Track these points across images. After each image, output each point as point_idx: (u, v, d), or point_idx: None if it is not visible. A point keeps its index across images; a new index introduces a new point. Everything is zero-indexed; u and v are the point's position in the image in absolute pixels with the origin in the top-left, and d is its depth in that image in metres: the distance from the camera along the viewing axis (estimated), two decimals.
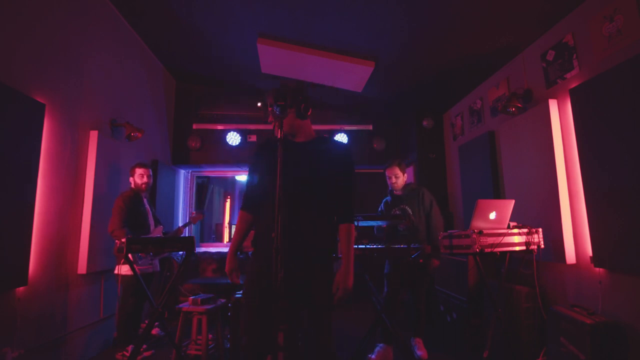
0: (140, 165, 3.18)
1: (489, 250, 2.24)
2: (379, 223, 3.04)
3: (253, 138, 5.19)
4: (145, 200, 3.21)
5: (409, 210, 3.04)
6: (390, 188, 3.20)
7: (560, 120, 2.77)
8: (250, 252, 1.63)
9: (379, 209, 3.30)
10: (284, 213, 1.26)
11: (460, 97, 4.42)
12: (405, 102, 4.92)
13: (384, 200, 3.31)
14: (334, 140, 1.73)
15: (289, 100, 1.53)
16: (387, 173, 3.16)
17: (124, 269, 2.87)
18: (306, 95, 1.60)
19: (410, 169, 5.06)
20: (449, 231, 2.46)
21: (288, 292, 1.39)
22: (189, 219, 3.59)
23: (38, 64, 2.51)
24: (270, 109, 1.53)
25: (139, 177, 3.15)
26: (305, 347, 1.50)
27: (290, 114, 1.58)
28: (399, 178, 3.11)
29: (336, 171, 1.59)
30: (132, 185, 3.15)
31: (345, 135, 5.32)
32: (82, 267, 2.91)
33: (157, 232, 3.25)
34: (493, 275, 3.23)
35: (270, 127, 1.67)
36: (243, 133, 5.12)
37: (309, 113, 1.60)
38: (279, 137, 1.38)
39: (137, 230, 3.02)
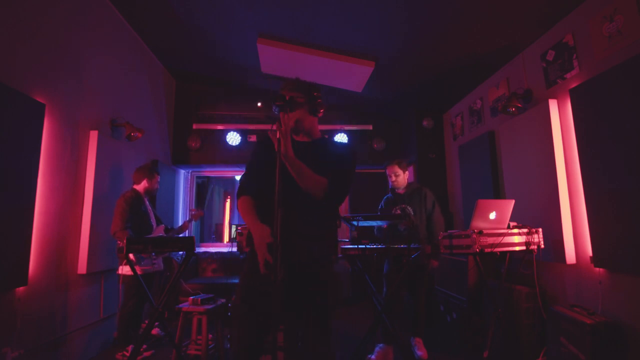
0: (158, 173, 3.33)
1: (489, 250, 2.24)
2: (379, 223, 3.04)
3: (253, 138, 5.19)
4: (146, 201, 3.21)
5: (410, 210, 3.05)
6: (390, 186, 3.21)
7: (560, 120, 2.77)
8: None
9: (380, 207, 3.30)
10: (283, 212, 1.25)
11: (460, 97, 4.42)
12: (405, 102, 4.92)
13: (385, 197, 3.31)
14: (336, 141, 1.72)
15: (304, 95, 1.50)
16: (387, 171, 3.18)
17: (126, 269, 2.87)
18: (320, 91, 1.57)
19: (411, 169, 5.06)
20: (449, 231, 2.46)
21: (289, 292, 1.39)
22: (190, 216, 3.61)
23: (38, 64, 2.51)
24: (282, 103, 1.38)
25: (155, 183, 3.28)
26: (302, 348, 1.48)
27: (302, 109, 1.52)
28: (399, 176, 3.12)
29: (333, 168, 1.53)
30: (141, 188, 3.16)
31: (345, 135, 5.33)
32: (82, 267, 2.91)
33: (158, 231, 3.26)
34: (493, 275, 3.23)
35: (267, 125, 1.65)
36: (243, 133, 5.12)
37: (321, 111, 1.57)
38: (277, 134, 1.36)
39: (140, 230, 3.03)
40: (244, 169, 1.66)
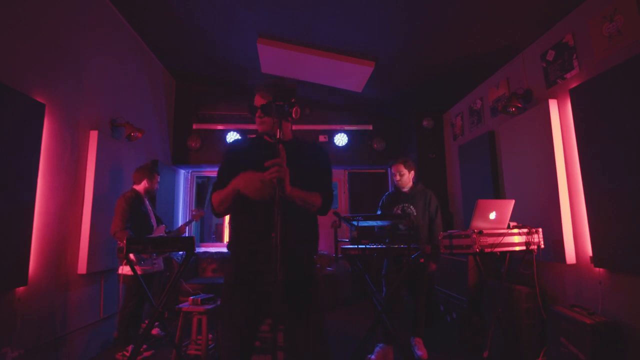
0: (158, 173, 3.34)
1: (489, 250, 2.24)
2: (379, 223, 3.04)
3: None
4: (146, 201, 3.21)
5: (412, 210, 3.05)
6: (396, 185, 3.20)
7: (560, 120, 2.77)
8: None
9: (380, 202, 3.29)
10: (271, 214, 1.24)
11: (460, 97, 4.42)
12: (405, 102, 4.92)
13: (387, 193, 3.31)
14: (309, 141, 1.72)
15: (284, 103, 1.51)
16: (392, 170, 3.19)
17: (127, 269, 2.87)
18: (297, 97, 1.57)
19: (414, 168, 5.06)
20: (449, 231, 2.46)
21: (287, 295, 1.39)
22: (191, 216, 3.61)
23: (38, 64, 2.51)
24: (272, 104, 1.43)
25: (155, 183, 3.28)
26: (294, 349, 1.47)
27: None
28: (404, 175, 3.12)
29: (314, 169, 1.58)
30: (141, 188, 3.17)
31: (345, 135, 5.33)
32: (82, 267, 2.91)
33: (159, 231, 3.26)
34: (493, 275, 3.23)
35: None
36: (243, 133, 5.12)
37: (297, 116, 1.57)
38: (277, 137, 1.37)
39: (141, 230, 3.03)
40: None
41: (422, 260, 2.89)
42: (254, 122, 1.71)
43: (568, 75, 2.69)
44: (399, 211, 3.08)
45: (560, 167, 2.72)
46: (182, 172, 5.56)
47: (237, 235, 1.53)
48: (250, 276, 1.46)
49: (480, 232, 2.22)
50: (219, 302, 2.93)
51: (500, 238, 2.28)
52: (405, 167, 3.12)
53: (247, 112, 1.65)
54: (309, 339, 1.45)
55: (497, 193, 3.59)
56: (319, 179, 1.58)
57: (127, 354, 2.84)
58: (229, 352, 1.45)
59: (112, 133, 3.41)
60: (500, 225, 2.40)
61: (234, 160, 1.58)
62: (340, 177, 5.88)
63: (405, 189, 3.16)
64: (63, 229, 2.76)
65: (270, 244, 1.20)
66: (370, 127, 5.50)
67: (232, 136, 5.08)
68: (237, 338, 1.43)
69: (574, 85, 2.60)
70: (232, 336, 1.45)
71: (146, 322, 3.13)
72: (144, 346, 3.03)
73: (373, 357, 2.82)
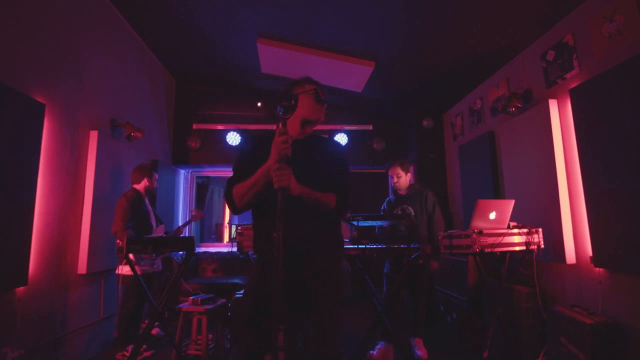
0: (156, 171, 3.36)
1: (489, 250, 2.24)
2: (379, 223, 3.04)
3: None
4: (146, 200, 3.21)
5: (410, 210, 3.05)
6: (393, 187, 3.22)
7: (560, 120, 2.77)
8: (250, 253, 1.61)
9: (382, 208, 3.31)
10: (284, 213, 1.25)
11: (460, 97, 4.42)
12: (405, 102, 4.92)
13: (387, 199, 3.32)
14: (331, 139, 1.69)
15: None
16: (389, 173, 3.19)
17: (125, 269, 2.87)
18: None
19: (411, 169, 5.07)
20: (449, 231, 2.46)
21: (289, 295, 1.39)
22: (190, 217, 3.60)
23: (38, 64, 2.51)
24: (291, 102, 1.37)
25: (155, 181, 3.29)
26: (306, 349, 1.48)
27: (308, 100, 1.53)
28: (401, 178, 3.12)
29: (332, 170, 1.56)
30: (141, 187, 3.17)
31: (345, 135, 5.32)
32: (82, 267, 2.91)
33: (159, 231, 3.26)
34: (493, 275, 3.23)
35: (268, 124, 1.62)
36: (243, 133, 5.11)
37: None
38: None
39: (141, 230, 3.03)
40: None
41: (420, 261, 2.89)
42: (254, 122, 1.69)
43: (568, 75, 2.69)
44: (399, 212, 3.09)
45: (560, 167, 2.72)
46: (182, 172, 5.56)
47: (255, 237, 1.56)
48: (258, 276, 1.48)
49: (480, 232, 2.22)
50: (219, 302, 2.93)
51: (500, 238, 2.28)
52: (403, 169, 3.13)
53: (252, 113, 1.56)
54: (308, 338, 1.46)
55: (497, 193, 3.59)
56: (333, 178, 1.53)
57: (127, 354, 2.84)
58: (239, 354, 1.46)
59: (112, 133, 3.41)
60: (500, 225, 2.40)
61: (254, 156, 1.50)
62: None
63: (402, 191, 3.17)
64: (63, 229, 2.76)
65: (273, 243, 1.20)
66: (370, 127, 5.50)
67: (232, 136, 5.07)
68: (246, 338, 1.44)
69: (574, 85, 2.60)
70: (242, 336, 1.46)
71: (146, 322, 3.13)
72: (144, 346, 3.03)
73: (374, 352, 2.82)
